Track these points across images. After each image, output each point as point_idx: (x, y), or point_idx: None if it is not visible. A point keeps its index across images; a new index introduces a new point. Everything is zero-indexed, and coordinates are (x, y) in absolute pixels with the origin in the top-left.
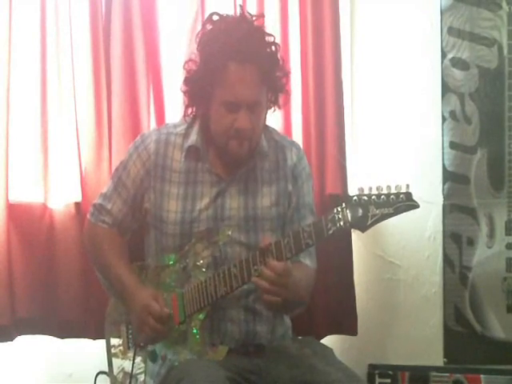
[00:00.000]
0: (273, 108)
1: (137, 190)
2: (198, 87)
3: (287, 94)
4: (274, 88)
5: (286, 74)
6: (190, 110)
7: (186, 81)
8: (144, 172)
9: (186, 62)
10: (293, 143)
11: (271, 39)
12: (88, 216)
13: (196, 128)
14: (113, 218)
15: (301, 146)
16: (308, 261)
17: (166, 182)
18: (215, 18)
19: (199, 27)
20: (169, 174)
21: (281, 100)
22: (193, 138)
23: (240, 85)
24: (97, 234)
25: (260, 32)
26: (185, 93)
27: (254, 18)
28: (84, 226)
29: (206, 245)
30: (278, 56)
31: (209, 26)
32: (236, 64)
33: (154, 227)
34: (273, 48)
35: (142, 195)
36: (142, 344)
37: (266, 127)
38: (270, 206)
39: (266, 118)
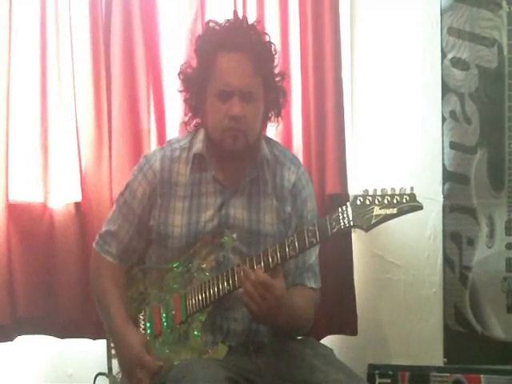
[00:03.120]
0: (275, 120)
1: (143, 209)
2: (192, 84)
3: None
4: (271, 83)
5: (283, 75)
6: (190, 119)
7: (182, 80)
8: (150, 191)
9: (182, 64)
10: (292, 160)
11: (266, 38)
12: (93, 245)
13: (200, 137)
14: (117, 244)
15: (301, 147)
16: (312, 283)
17: (171, 197)
18: (211, 24)
19: (199, 27)
20: (174, 188)
21: (282, 111)
22: (198, 146)
23: (231, 73)
24: (99, 266)
25: (252, 27)
26: (181, 92)
27: (250, 23)
28: (91, 255)
29: (211, 249)
30: (273, 52)
31: (205, 27)
32: (226, 53)
33: (158, 243)
34: (267, 43)
35: (148, 214)
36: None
37: (268, 140)
38: (271, 222)
39: (262, 125)
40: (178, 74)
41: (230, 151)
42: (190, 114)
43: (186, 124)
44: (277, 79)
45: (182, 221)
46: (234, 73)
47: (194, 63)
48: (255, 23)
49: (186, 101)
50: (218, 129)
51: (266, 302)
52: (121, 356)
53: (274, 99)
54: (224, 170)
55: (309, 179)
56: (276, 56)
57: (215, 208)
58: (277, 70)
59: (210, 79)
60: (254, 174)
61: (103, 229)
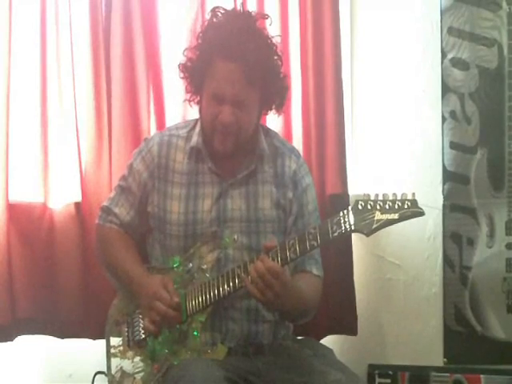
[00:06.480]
0: (274, 112)
1: (142, 193)
2: (191, 76)
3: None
4: (269, 90)
5: (284, 79)
6: (190, 96)
7: (183, 67)
8: (147, 174)
9: (186, 49)
10: (292, 150)
11: (267, 41)
12: (96, 220)
13: (197, 130)
14: (120, 221)
15: (301, 147)
16: (314, 269)
17: (168, 183)
18: (215, 20)
19: (199, 27)
20: (171, 175)
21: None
22: (194, 139)
23: (224, 81)
24: (105, 234)
25: (254, 31)
26: (182, 78)
27: (255, 16)
28: (95, 232)
29: (212, 248)
30: (276, 56)
31: (210, 17)
32: (221, 61)
33: (157, 229)
34: (268, 49)
35: (146, 198)
36: (146, 333)
37: (267, 131)
38: (270, 208)
39: (259, 118)
40: (182, 52)
41: (221, 151)
42: (187, 89)
43: (188, 101)
44: (278, 78)
45: (179, 208)
46: (227, 82)
47: (195, 53)
48: (260, 16)
49: (182, 78)
50: (208, 128)
51: (273, 288)
52: (140, 299)
53: (274, 96)
54: (221, 163)
55: (308, 171)
56: (279, 57)
57: (213, 198)
58: (279, 69)
59: (206, 76)
60: (251, 167)
61: (105, 203)
